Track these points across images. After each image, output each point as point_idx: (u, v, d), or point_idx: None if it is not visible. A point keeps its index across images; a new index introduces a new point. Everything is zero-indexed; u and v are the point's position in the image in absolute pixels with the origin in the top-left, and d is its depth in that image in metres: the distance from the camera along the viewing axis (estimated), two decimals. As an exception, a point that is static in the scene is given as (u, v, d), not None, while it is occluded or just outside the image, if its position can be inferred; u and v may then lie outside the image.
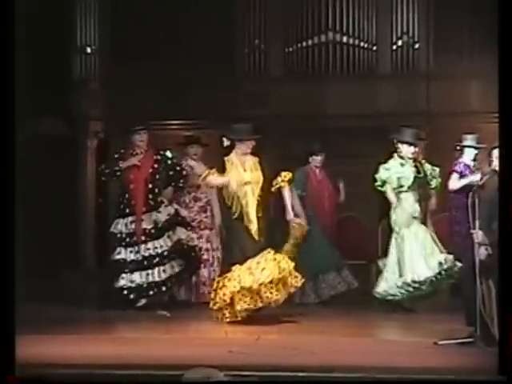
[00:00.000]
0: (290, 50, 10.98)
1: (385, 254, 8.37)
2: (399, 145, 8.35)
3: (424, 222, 8.37)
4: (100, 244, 10.27)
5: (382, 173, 8.30)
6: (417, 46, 10.71)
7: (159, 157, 8.52)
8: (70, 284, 9.72)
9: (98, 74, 11.22)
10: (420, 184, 8.37)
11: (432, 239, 8.21)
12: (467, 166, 8.74)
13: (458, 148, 8.85)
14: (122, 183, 8.58)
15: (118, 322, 7.83)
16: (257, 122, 8.01)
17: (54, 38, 10.68)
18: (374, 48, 10.86)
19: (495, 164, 6.44)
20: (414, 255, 8.11)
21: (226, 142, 7.81)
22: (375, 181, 8.33)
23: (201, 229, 8.75)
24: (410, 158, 8.32)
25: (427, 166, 8.49)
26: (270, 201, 7.82)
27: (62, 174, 10.67)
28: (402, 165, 8.30)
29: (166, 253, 8.30)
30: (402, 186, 8.26)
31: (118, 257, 8.39)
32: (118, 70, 11.11)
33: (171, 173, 8.55)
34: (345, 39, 10.86)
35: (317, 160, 9.14)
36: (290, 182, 7.77)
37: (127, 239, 8.38)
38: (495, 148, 6.30)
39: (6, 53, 4.79)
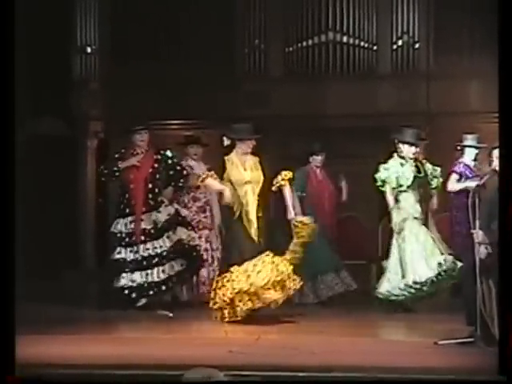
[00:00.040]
0: (290, 49, 10.97)
1: (386, 254, 8.36)
2: (400, 145, 8.35)
3: (425, 223, 8.36)
4: (100, 244, 10.26)
5: (382, 172, 8.30)
6: (417, 45, 10.71)
7: (159, 156, 8.52)
8: (70, 284, 9.72)
9: (98, 73, 11.21)
10: (420, 184, 8.37)
11: (433, 240, 8.20)
12: (467, 166, 8.74)
13: (459, 148, 8.85)
14: (122, 183, 8.58)
15: (119, 321, 7.83)
16: (257, 122, 8.01)
17: (54, 38, 10.67)
18: (374, 48, 10.86)
19: (495, 164, 6.44)
20: (415, 256, 8.10)
21: (227, 142, 7.81)
22: (375, 181, 8.33)
23: (199, 229, 8.74)
24: (411, 158, 8.32)
25: (428, 166, 8.48)
26: (271, 200, 7.82)
27: (62, 174, 10.67)
28: (401, 165, 8.30)
29: (165, 253, 8.29)
30: (401, 186, 8.26)
31: (118, 256, 8.39)
32: (118, 69, 11.10)
33: (171, 172, 8.54)
34: (345, 39, 10.86)
35: (317, 160, 9.14)
36: (290, 180, 7.76)
37: (127, 239, 8.38)
38: (495, 148, 6.30)
39: (5, 53, 4.79)
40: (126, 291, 8.27)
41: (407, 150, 8.32)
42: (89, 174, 11.11)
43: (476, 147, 8.75)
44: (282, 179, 7.69)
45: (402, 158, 8.33)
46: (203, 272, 8.67)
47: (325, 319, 7.77)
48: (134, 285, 8.27)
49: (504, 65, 5.12)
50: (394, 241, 8.26)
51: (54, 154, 10.60)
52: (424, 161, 8.55)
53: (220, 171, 7.69)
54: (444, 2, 10.75)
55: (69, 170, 10.86)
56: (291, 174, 7.77)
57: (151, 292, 8.26)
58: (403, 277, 8.11)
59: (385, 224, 8.53)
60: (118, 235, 8.42)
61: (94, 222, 11.09)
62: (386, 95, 10.75)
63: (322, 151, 9.14)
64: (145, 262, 8.29)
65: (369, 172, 8.42)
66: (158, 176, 8.49)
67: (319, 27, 10.87)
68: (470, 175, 8.66)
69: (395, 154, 8.37)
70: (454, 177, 8.67)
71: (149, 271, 8.28)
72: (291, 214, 7.74)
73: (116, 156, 8.59)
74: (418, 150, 8.41)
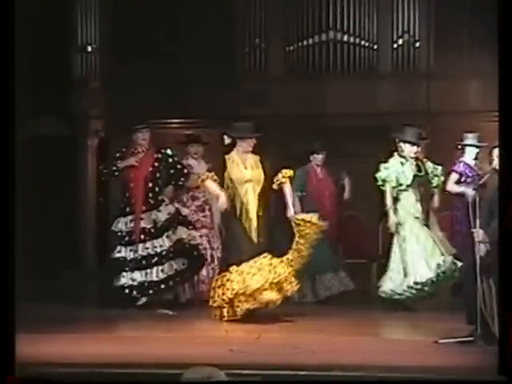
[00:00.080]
0: (291, 48, 10.98)
1: (387, 253, 8.35)
2: (401, 144, 8.34)
3: (426, 222, 8.35)
4: (100, 243, 10.28)
5: (382, 172, 8.30)
6: (417, 44, 10.71)
7: (160, 155, 8.51)
8: (70, 283, 9.72)
9: (98, 72, 11.22)
10: (420, 183, 8.36)
11: (433, 241, 8.19)
12: (467, 165, 8.73)
13: (459, 147, 8.85)
14: (122, 182, 8.58)
15: (119, 320, 7.83)
16: (257, 121, 8.00)
17: (54, 37, 10.68)
18: (375, 47, 10.86)
19: (496, 163, 6.45)
20: (416, 256, 8.10)
21: (227, 140, 7.81)
22: (376, 180, 8.33)
23: (198, 228, 8.73)
24: (411, 158, 8.31)
25: (429, 165, 8.47)
26: (271, 199, 7.81)
27: (63, 173, 10.67)
28: (402, 164, 8.30)
29: (164, 252, 8.28)
30: (401, 185, 8.26)
31: (118, 255, 8.39)
32: (119, 68, 11.11)
33: (172, 171, 8.53)
34: (345, 38, 10.86)
35: (318, 158, 9.13)
36: (290, 178, 7.76)
37: (127, 238, 8.38)
38: (496, 147, 6.30)
39: (5, 53, 4.79)
40: (127, 290, 8.27)
41: (408, 150, 8.31)
42: (89, 173, 11.11)
43: (477, 146, 8.74)
44: (283, 176, 7.69)
45: (403, 157, 8.33)
46: (203, 271, 8.67)
47: (325, 318, 7.77)
48: (135, 284, 8.27)
49: (504, 64, 5.12)
50: (394, 239, 8.26)
51: (54, 154, 10.60)
52: (425, 160, 8.54)
53: (220, 170, 7.69)
54: (444, 1, 10.76)
55: (69, 169, 10.87)
56: (292, 172, 7.77)
57: (151, 291, 8.26)
58: (405, 275, 8.11)
59: (385, 223, 8.51)
60: (119, 234, 8.43)
61: (95, 222, 11.09)
62: (387, 94, 10.76)
63: (322, 150, 9.14)
64: (144, 261, 8.29)
65: (369, 171, 8.42)
66: (158, 175, 8.48)
67: (320, 26, 10.88)
68: (471, 174, 8.65)
69: (395, 153, 8.37)
70: (454, 176, 8.67)
71: (148, 270, 8.28)
72: (291, 212, 7.72)
73: (117, 155, 8.59)
74: (419, 149, 8.41)
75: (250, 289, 7.29)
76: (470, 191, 8.18)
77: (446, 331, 6.54)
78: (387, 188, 8.28)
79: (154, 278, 8.27)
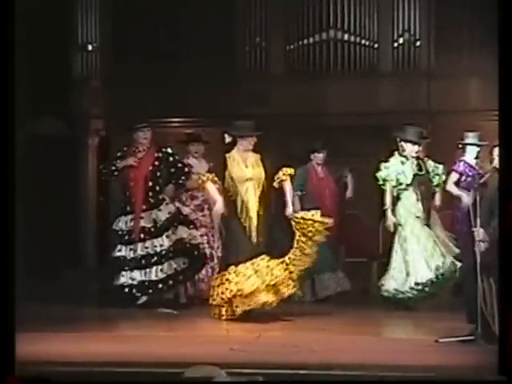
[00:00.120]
0: (291, 47, 10.98)
1: (388, 252, 8.34)
2: (403, 143, 8.33)
3: (427, 222, 8.33)
4: (101, 242, 10.28)
5: (383, 171, 8.29)
6: (418, 43, 10.71)
7: (160, 154, 8.50)
8: (70, 283, 9.72)
9: (98, 71, 11.23)
10: (421, 181, 8.35)
11: (434, 241, 8.17)
12: (467, 164, 8.72)
13: (460, 146, 8.84)
14: (123, 181, 8.58)
15: (119, 319, 7.83)
16: (258, 120, 8.00)
17: (54, 36, 10.68)
18: (375, 46, 10.87)
19: (497, 162, 6.44)
20: (417, 257, 8.10)
21: (228, 139, 7.81)
22: (376, 179, 8.32)
23: (197, 227, 8.72)
24: (413, 157, 8.30)
25: (430, 164, 8.46)
26: (272, 198, 7.81)
27: (63, 172, 10.67)
28: (402, 163, 8.29)
29: (164, 252, 8.27)
30: (401, 184, 8.25)
31: (118, 254, 8.38)
32: (119, 67, 11.11)
33: (172, 170, 8.52)
34: (346, 37, 10.87)
35: (319, 157, 9.12)
36: (291, 176, 7.75)
37: (126, 237, 8.37)
38: (497, 146, 6.30)
39: (6, 53, 4.79)
40: (126, 289, 8.26)
41: (410, 149, 8.30)
42: (90, 172, 11.12)
43: (477, 145, 8.73)
44: (283, 174, 7.68)
45: (403, 156, 8.32)
46: (203, 270, 8.66)
47: (325, 317, 7.77)
48: (134, 283, 8.26)
49: (504, 63, 5.12)
50: (395, 239, 8.26)
51: (54, 153, 10.60)
52: (426, 158, 8.53)
53: (221, 169, 7.69)
54: (445, 0, 10.75)
55: (70, 168, 10.87)
56: (292, 170, 7.77)
57: (150, 291, 8.25)
58: (407, 276, 8.10)
59: (385, 222, 8.50)
60: (119, 233, 8.42)
61: (95, 221, 11.10)
62: (387, 93, 10.76)
63: (323, 148, 9.13)
64: (144, 261, 8.27)
65: (369, 170, 8.42)
66: (158, 174, 8.47)
67: (320, 25, 10.88)
68: (471, 174, 8.65)
69: (396, 153, 8.36)
70: (454, 176, 8.66)
71: (148, 270, 8.27)
72: (289, 210, 7.70)
73: (118, 154, 8.58)
74: (420, 148, 8.40)
75: (245, 291, 7.30)
76: (465, 196, 8.26)
77: (446, 330, 6.54)
78: (387, 187, 8.28)
79: (154, 278, 8.26)
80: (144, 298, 8.28)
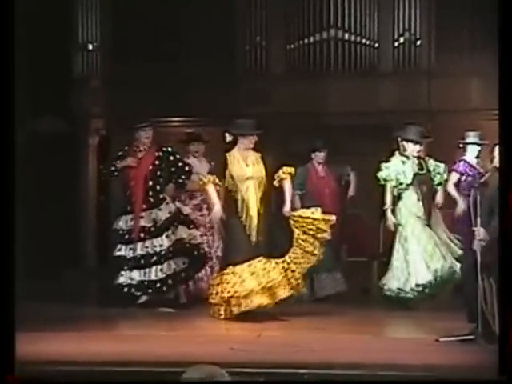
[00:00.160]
0: (292, 47, 10.98)
1: (389, 252, 8.33)
2: (404, 143, 8.32)
3: (428, 222, 8.32)
4: (101, 242, 10.28)
5: (383, 171, 8.29)
6: (418, 43, 10.71)
7: (161, 153, 8.50)
8: (70, 282, 9.72)
9: (99, 71, 11.23)
10: (421, 181, 8.33)
11: (434, 243, 8.15)
12: (468, 163, 8.72)
13: (461, 146, 8.84)
14: (123, 180, 8.58)
15: (119, 319, 7.83)
16: (258, 120, 8.00)
17: (54, 36, 10.68)
18: (376, 45, 10.87)
19: (497, 161, 6.44)
20: (417, 257, 8.09)
21: (229, 138, 7.81)
22: (377, 179, 8.32)
23: (197, 227, 8.71)
24: (414, 156, 8.29)
25: (431, 162, 8.44)
26: (272, 197, 7.81)
27: (63, 172, 10.67)
28: (403, 162, 8.28)
29: (164, 252, 8.27)
30: (401, 184, 8.25)
31: (118, 253, 8.38)
32: (119, 67, 11.11)
33: (173, 169, 8.51)
34: (346, 36, 10.87)
35: (319, 156, 9.10)
36: (291, 175, 7.75)
37: (126, 236, 8.36)
38: (497, 144, 6.29)
39: (6, 53, 4.79)
40: (125, 289, 8.26)
41: (411, 148, 8.28)
42: (90, 172, 11.12)
43: (478, 144, 8.73)
44: (283, 173, 7.69)
45: (404, 155, 8.30)
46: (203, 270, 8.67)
47: (325, 316, 7.76)
48: (133, 283, 8.25)
49: (504, 63, 5.13)
50: (396, 239, 8.25)
51: (55, 153, 10.60)
52: (427, 158, 8.50)
53: (222, 168, 7.69)
54: (445, 0, 10.76)
55: (70, 168, 10.87)
56: (293, 169, 7.77)
57: (150, 290, 8.24)
58: (409, 275, 8.09)
59: (386, 222, 8.50)
60: (120, 232, 8.42)
61: (96, 220, 11.10)
62: (388, 93, 10.76)
63: (324, 147, 9.12)
64: (143, 261, 8.26)
65: (370, 169, 8.42)
66: (159, 173, 8.47)
67: (321, 24, 10.89)
68: (471, 173, 8.65)
69: (397, 152, 8.35)
70: (455, 176, 8.66)
71: (147, 270, 8.26)
72: (286, 208, 7.68)
73: (119, 154, 8.58)
74: (422, 147, 8.38)
75: (240, 293, 7.31)
76: (461, 202, 8.28)
77: (446, 329, 6.53)
78: (388, 187, 8.27)
79: (153, 278, 8.25)
80: (144, 298, 8.28)
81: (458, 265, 7.69)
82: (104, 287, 8.62)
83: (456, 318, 6.62)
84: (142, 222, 8.33)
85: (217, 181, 7.62)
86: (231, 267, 7.44)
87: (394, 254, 8.23)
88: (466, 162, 8.73)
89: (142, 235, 8.30)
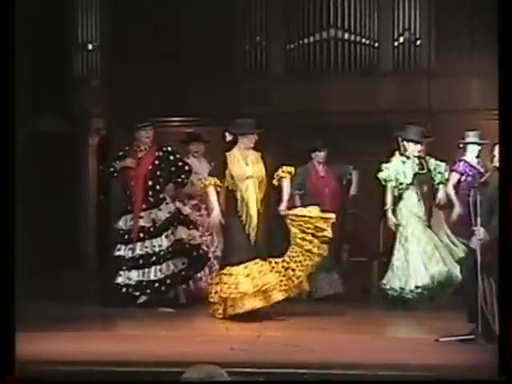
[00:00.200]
0: (292, 46, 10.98)
1: (390, 251, 8.33)
2: (404, 143, 8.31)
3: (429, 223, 8.30)
4: (101, 242, 10.28)
5: (383, 171, 8.28)
6: (418, 42, 10.71)
7: (161, 153, 8.49)
8: (70, 282, 9.72)
9: (99, 71, 11.23)
10: (422, 180, 8.32)
11: (434, 245, 8.13)
12: (468, 163, 8.71)
13: (461, 146, 8.83)
14: (123, 180, 8.58)
15: (119, 319, 7.83)
16: (258, 119, 8.00)
17: (54, 36, 10.68)
18: (376, 45, 10.87)
19: (497, 160, 6.44)
20: (417, 259, 8.08)
21: (229, 137, 7.81)
22: (378, 179, 8.31)
23: (197, 227, 8.70)
24: (415, 156, 8.28)
25: (432, 162, 8.42)
26: (272, 196, 7.80)
27: (63, 172, 10.67)
28: (403, 162, 8.27)
29: (163, 252, 8.26)
30: (401, 184, 8.24)
31: (117, 253, 8.37)
32: (119, 67, 11.11)
33: (173, 169, 8.50)
34: (346, 36, 10.87)
35: (320, 156, 9.09)
36: (291, 174, 7.75)
37: (126, 236, 8.36)
38: (497, 144, 6.29)
39: (6, 53, 4.79)
40: (124, 289, 8.25)
41: (412, 148, 8.27)
42: (90, 171, 11.12)
43: (478, 144, 8.73)
44: (283, 172, 7.69)
45: (404, 155, 8.30)
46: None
47: (325, 316, 7.76)
48: (132, 283, 8.25)
49: (504, 62, 5.13)
50: (397, 239, 8.24)
51: (55, 152, 10.60)
52: (427, 157, 8.49)
53: (222, 167, 7.69)
54: (445, 0, 10.76)
55: (70, 168, 10.87)
56: (292, 168, 7.77)
57: (148, 291, 8.23)
58: (409, 275, 8.09)
59: (386, 222, 8.50)
60: (120, 232, 8.42)
61: (95, 220, 11.10)
62: (388, 92, 10.76)
63: (324, 147, 9.12)
64: (142, 261, 8.25)
65: (370, 169, 8.42)
66: (159, 173, 8.46)
67: (320, 24, 10.88)
68: (471, 173, 8.65)
69: (397, 152, 8.34)
70: (455, 176, 8.66)
71: (146, 270, 8.26)
72: (281, 206, 7.64)
73: (120, 153, 8.58)
74: (422, 147, 8.38)
75: (234, 295, 7.32)
76: (458, 206, 8.27)
77: (446, 329, 6.54)
78: (388, 188, 8.27)
79: (152, 278, 8.24)
80: (143, 298, 8.28)
81: (458, 268, 7.67)
82: (104, 287, 8.62)
83: (456, 318, 6.62)
84: (142, 222, 8.32)
85: (218, 183, 7.61)
86: (229, 267, 7.44)
87: (394, 253, 8.22)
88: (465, 162, 8.73)
89: (141, 235, 8.30)
